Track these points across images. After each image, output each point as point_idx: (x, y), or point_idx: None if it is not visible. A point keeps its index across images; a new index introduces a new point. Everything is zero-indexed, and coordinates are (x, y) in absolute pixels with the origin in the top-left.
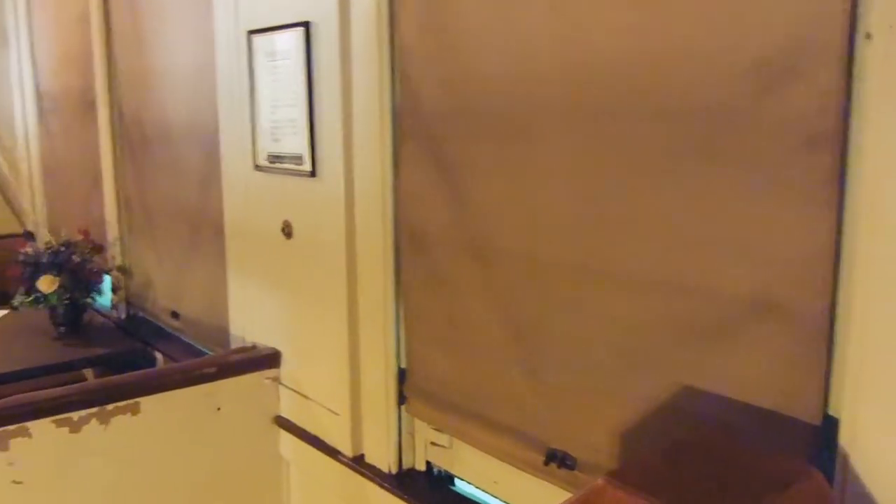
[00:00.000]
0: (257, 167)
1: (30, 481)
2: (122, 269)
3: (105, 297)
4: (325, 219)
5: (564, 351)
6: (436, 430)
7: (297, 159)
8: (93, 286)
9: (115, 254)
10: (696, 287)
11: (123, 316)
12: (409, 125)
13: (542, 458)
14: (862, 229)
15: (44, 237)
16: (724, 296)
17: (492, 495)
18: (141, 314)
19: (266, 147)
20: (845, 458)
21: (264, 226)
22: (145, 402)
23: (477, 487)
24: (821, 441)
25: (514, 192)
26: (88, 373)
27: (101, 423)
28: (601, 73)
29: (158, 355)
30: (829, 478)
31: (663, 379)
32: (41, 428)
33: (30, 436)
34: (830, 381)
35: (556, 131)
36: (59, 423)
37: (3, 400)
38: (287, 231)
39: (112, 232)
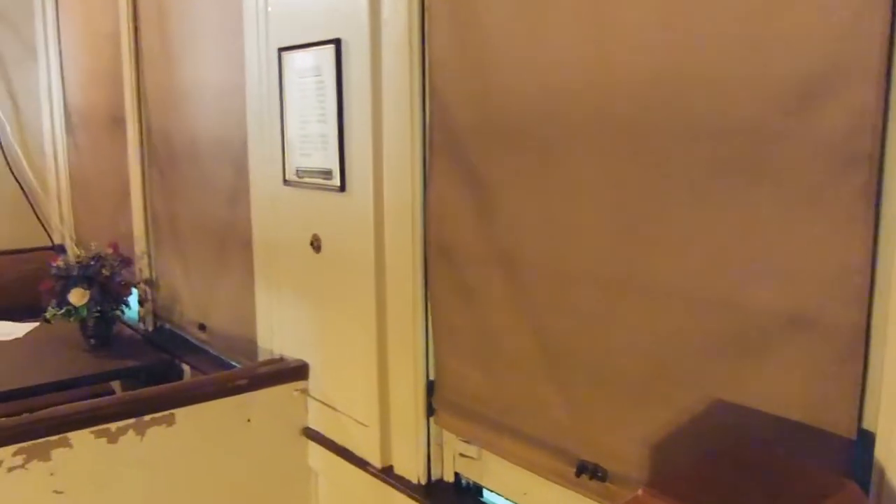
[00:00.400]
0: (286, 182)
1: (70, 491)
2: (150, 283)
3: (132, 311)
4: (354, 233)
5: (595, 363)
6: (464, 441)
7: (327, 174)
8: (122, 299)
9: (142, 267)
10: (729, 301)
11: (151, 328)
12: (439, 140)
13: (573, 470)
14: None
15: (71, 250)
16: (758, 310)
17: None
18: (168, 327)
19: (295, 162)
20: (881, 472)
21: (293, 239)
22: (179, 413)
23: (506, 499)
24: (856, 455)
25: (544, 206)
26: (116, 385)
27: (138, 433)
28: (632, 90)
29: (186, 367)
30: (865, 491)
31: (695, 392)
32: (81, 438)
33: (70, 446)
34: (865, 395)
35: (586, 147)
36: (98, 434)
37: (45, 411)
38: (316, 245)
39: (139, 246)
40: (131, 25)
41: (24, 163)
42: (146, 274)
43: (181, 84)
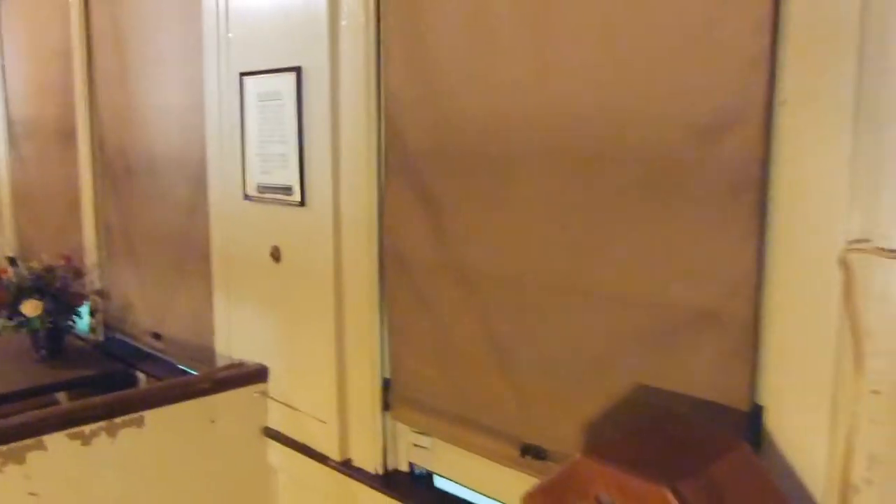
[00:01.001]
0: (247, 197)
1: (45, 493)
2: (101, 293)
3: (83, 322)
4: (313, 244)
5: (539, 357)
6: (418, 433)
7: (287, 190)
8: (74, 310)
9: (93, 279)
10: (651, 300)
11: (102, 339)
12: (394, 162)
13: (517, 452)
14: (778, 253)
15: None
16: (674, 307)
17: (470, 489)
18: (120, 337)
19: (255, 178)
20: (769, 436)
21: (253, 250)
22: (148, 415)
23: (457, 483)
24: (750, 423)
25: (492, 220)
26: (62, 395)
27: (110, 435)
28: (571, 120)
29: (142, 376)
30: (758, 451)
31: (623, 379)
32: (55, 441)
33: (45, 448)
34: (757, 375)
35: (529, 169)
36: (72, 437)
37: (20, 416)
38: (276, 255)
39: (90, 258)
40: (84, 42)
41: None
42: (98, 285)
43: (139, 102)
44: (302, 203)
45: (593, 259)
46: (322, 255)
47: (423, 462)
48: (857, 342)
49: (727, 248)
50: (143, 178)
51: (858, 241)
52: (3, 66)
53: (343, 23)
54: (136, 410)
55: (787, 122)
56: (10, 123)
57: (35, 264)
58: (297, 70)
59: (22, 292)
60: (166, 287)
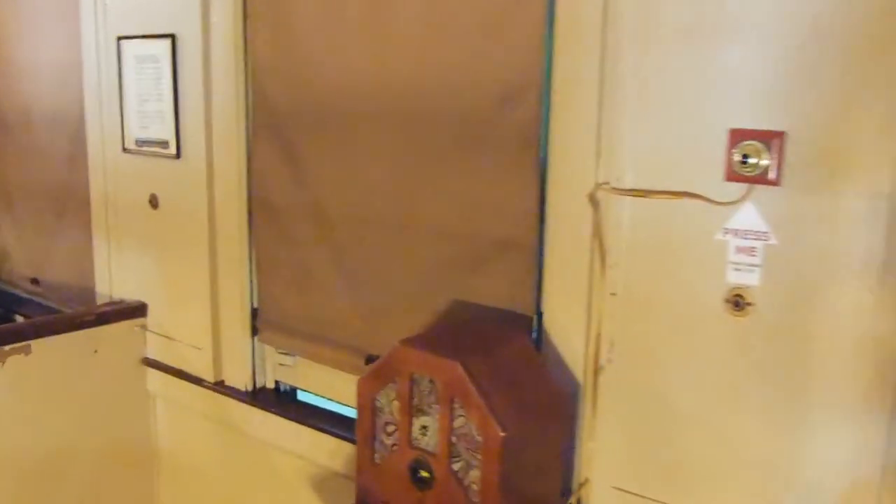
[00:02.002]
0: (125, 150)
1: None
2: None
3: None
4: (188, 191)
5: (379, 282)
6: (282, 353)
7: (164, 144)
8: None
9: None
10: (464, 233)
11: None
12: (260, 120)
13: (363, 362)
14: (552, 193)
15: None
16: (481, 238)
17: (326, 398)
18: None
19: (134, 133)
20: (547, 334)
21: (132, 198)
22: (35, 344)
23: (316, 394)
24: (537, 325)
25: (342, 169)
26: None
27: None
28: (401, 88)
29: (20, 318)
30: (540, 345)
31: (445, 297)
32: None
33: None
34: (541, 289)
35: (371, 127)
36: None
37: None
38: (154, 203)
39: None
40: None
41: None
42: None
43: (13, 59)
44: (178, 156)
45: (418, 200)
46: (196, 201)
47: (287, 379)
48: (602, 258)
49: (518, 191)
50: (19, 131)
51: (602, 183)
52: None
53: None
54: (23, 339)
55: (556, 97)
56: None
57: None
58: (172, 37)
59: None
60: (45, 235)
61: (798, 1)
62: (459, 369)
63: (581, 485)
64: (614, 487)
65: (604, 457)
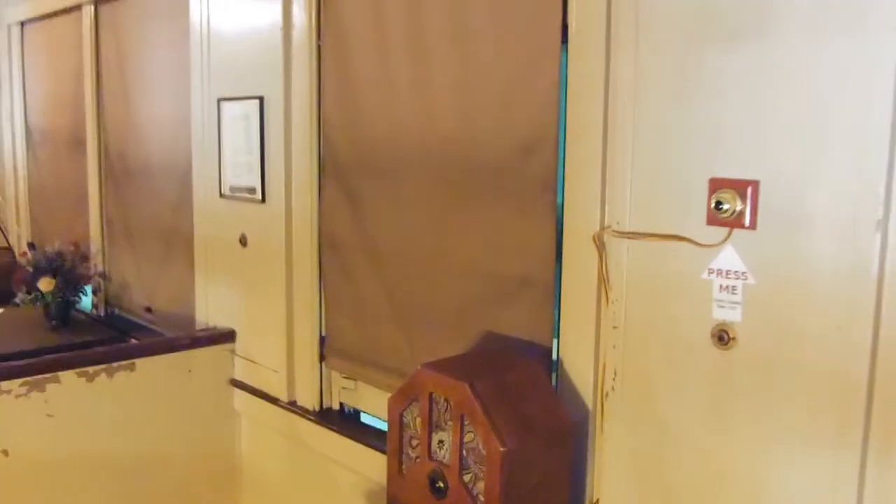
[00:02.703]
0: (222, 195)
1: (59, 415)
2: (103, 275)
3: (87, 300)
4: (271, 231)
5: (421, 313)
6: (345, 377)
7: (252, 190)
8: (81, 287)
9: (96, 262)
10: (491, 271)
11: (103, 313)
12: (328, 169)
13: None
14: (566, 234)
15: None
16: (505, 276)
17: (382, 420)
18: (118, 312)
19: (229, 181)
20: (562, 362)
21: (226, 237)
22: (139, 362)
23: (373, 416)
24: (551, 354)
25: (392, 212)
26: None
27: (109, 376)
28: (441, 143)
29: (135, 342)
30: (555, 373)
31: (476, 328)
32: (67, 377)
33: (59, 382)
34: (558, 321)
35: (416, 176)
36: (80, 375)
37: (41, 358)
38: (243, 241)
39: (94, 245)
40: (94, 65)
41: None
42: (100, 268)
43: (137, 116)
44: (263, 200)
45: (452, 240)
46: (277, 239)
47: (349, 401)
48: (606, 293)
49: (537, 232)
50: (140, 178)
51: (606, 226)
52: (25, 84)
53: (294, 63)
54: (129, 358)
55: (570, 149)
56: (28, 132)
57: (49, 249)
58: (261, 99)
59: (38, 271)
60: (157, 268)
61: (770, 59)
62: (467, 389)
63: None
64: None
65: (612, 478)
